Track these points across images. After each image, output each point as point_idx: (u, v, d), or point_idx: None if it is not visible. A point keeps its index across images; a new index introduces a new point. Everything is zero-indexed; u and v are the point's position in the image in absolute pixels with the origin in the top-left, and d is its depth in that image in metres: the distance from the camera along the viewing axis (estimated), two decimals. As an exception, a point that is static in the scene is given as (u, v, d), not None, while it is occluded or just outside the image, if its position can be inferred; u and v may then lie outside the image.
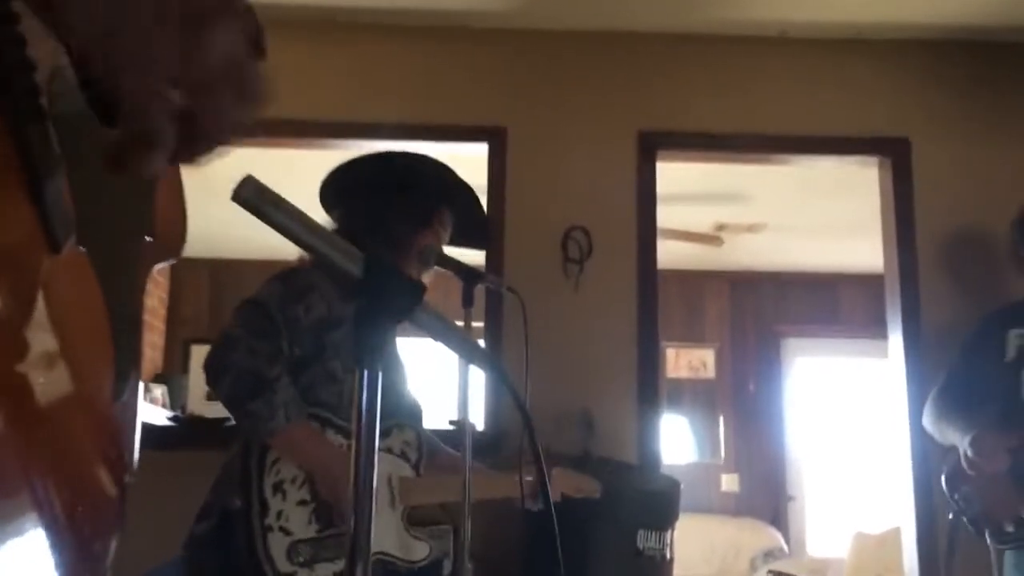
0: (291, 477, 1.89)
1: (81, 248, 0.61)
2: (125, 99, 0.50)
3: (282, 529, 1.85)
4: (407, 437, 2.11)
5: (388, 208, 2.15)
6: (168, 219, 0.76)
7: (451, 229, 2.25)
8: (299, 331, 1.95)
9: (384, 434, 2.06)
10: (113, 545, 0.68)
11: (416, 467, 2.11)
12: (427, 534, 2.10)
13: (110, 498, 0.68)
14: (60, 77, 0.55)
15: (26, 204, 0.53)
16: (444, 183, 2.23)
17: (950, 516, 2.75)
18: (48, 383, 0.57)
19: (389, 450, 2.07)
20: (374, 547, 1.98)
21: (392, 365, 2.18)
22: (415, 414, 2.20)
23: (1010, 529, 2.53)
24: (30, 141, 0.53)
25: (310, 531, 1.87)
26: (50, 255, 0.56)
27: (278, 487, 1.87)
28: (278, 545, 1.83)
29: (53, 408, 0.57)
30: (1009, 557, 2.58)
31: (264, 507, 1.84)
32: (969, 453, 2.55)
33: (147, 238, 0.74)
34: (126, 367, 0.71)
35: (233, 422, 1.97)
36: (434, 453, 2.19)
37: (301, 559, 1.84)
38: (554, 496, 2.26)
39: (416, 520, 2.10)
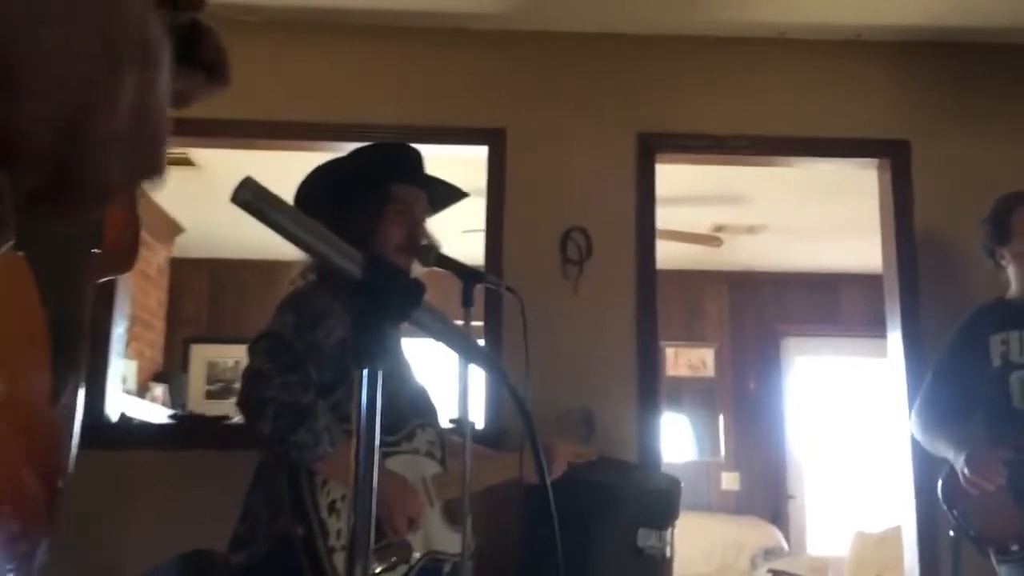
0: (341, 496, 1.91)
1: (19, 253, 0.60)
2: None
3: (344, 548, 1.86)
4: (430, 436, 2.13)
5: (341, 212, 2.11)
6: (117, 235, 0.76)
7: (424, 196, 2.21)
8: (322, 356, 1.96)
9: (409, 437, 2.09)
10: (43, 546, 0.68)
11: (442, 463, 2.14)
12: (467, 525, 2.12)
13: (38, 498, 0.68)
14: None
15: None
16: (378, 164, 2.20)
17: (951, 533, 2.71)
18: None
19: (417, 451, 2.09)
20: (425, 546, 2.02)
21: (401, 364, 2.19)
22: (431, 411, 2.21)
23: (1015, 548, 2.48)
24: None
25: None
26: None
27: (332, 507, 1.90)
28: (344, 564, 1.85)
29: None
30: (1003, 572, 2.55)
31: (324, 530, 1.87)
32: (966, 472, 2.53)
33: (94, 250, 0.74)
34: (64, 371, 0.71)
35: (235, 423, 1.97)
36: (452, 449, 2.21)
37: None
38: (560, 469, 2.29)
39: (452, 514, 2.12)
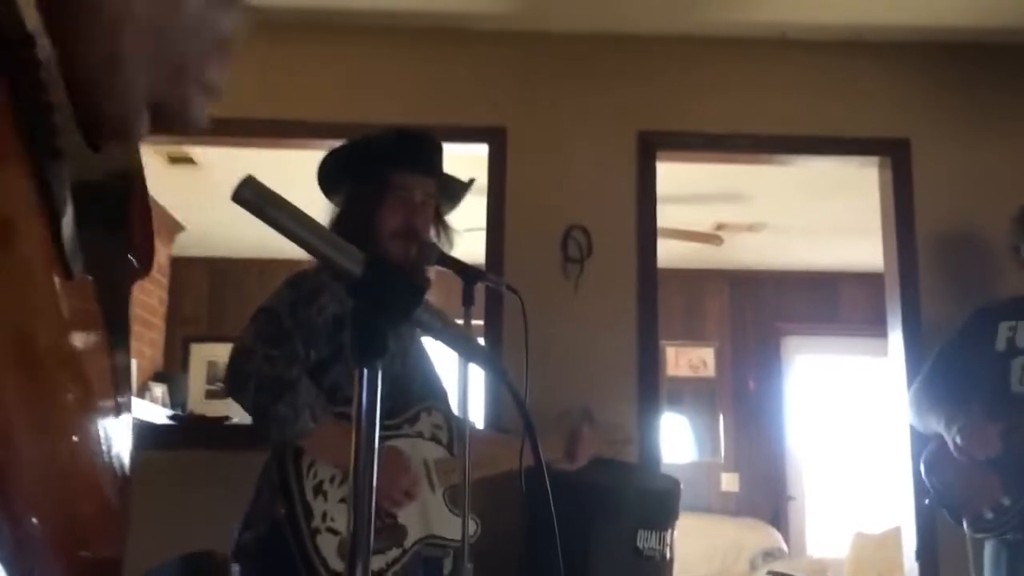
0: (329, 477, 1.92)
1: (88, 276, 0.64)
2: (108, 121, 0.59)
3: (329, 529, 1.88)
4: (436, 420, 2.12)
5: (346, 197, 2.18)
6: (141, 238, 0.80)
7: (429, 183, 2.20)
8: (313, 333, 1.97)
9: (412, 420, 2.08)
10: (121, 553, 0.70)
11: (449, 448, 2.13)
12: (473, 512, 2.11)
13: (115, 512, 0.70)
14: (63, 115, 0.59)
15: (47, 235, 0.57)
16: (380, 151, 2.21)
17: (926, 502, 2.79)
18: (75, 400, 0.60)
19: (420, 435, 2.09)
20: (424, 531, 2.02)
21: (416, 351, 2.18)
22: (441, 396, 2.21)
23: (989, 516, 2.55)
24: (51, 180, 0.56)
25: None
26: (65, 281, 0.60)
27: (318, 489, 1.90)
28: (328, 545, 1.86)
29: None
30: (988, 550, 2.60)
31: (308, 511, 1.87)
32: (958, 440, 2.57)
33: (130, 258, 0.78)
34: (124, 384, 0.73)
35: (257, 428, 1.97)
36: (463, 436, 2.19)
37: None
38: (584, 458, 2.28)
39: (458, 500, 2.11)
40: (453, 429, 2.15)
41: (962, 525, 2.62)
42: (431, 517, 2.04)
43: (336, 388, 1.99)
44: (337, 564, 1.85)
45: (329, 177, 2.23)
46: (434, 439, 2.11)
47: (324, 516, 1.88)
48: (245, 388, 1.88)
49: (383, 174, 2.16)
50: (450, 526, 2.07)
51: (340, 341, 2.00)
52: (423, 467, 2.07)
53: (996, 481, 2.54)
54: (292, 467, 1.90)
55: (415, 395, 2.09)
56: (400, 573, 1.97)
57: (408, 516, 1.99)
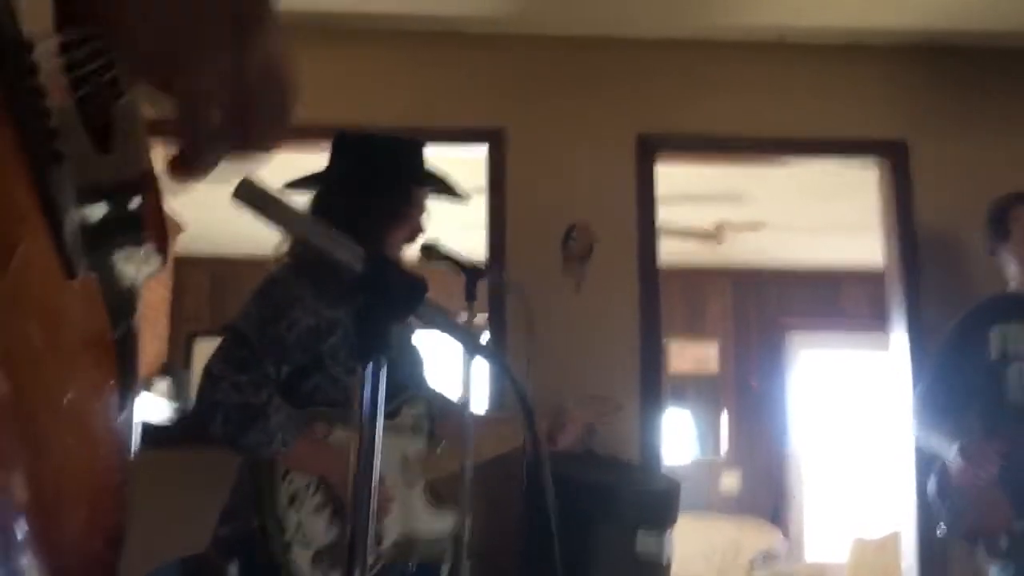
0: (305, 484, 1.90)
1: (92, 273, 0.64)
2: (178, 104, 0.57)
3: (301, 542, 1.86)
4: (416, 409, 2.11)
5: (356, 214, 2.07)
6: (155, 238, 0.80)
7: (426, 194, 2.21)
8: (284, 349, 1.92)
9: (392, 414, 2.04)
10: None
11: (431, 435, 2.12)
12: (450, 506, 2.11)
13: (110, 515, 0.70)
14: (66, 118, 0.59)
15: (47, 237, 0.58)
16: (403, 165, 2.20)
17: (938, 533, 2.71)
18: (63, 403, 0.60)
19: (400, 429, 2.07)
20: (401, 530, 1.99)
21: (403, 349, 2.17)
22: (421, 383, 2.19)
23: (1004, 545, 2.49)
24: (50, 181, 0.57)
25: (330, 536, 1.89)
26: (67, 281, 0.59)
27: (294, 498, 1.88)
28: (302, 558, 1.85)
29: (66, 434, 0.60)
30: (994, 573, 2.55)
31: (280, 525, 1.86)
32: (960, 462, 2.53)
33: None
34: (130, 383, 0.73)
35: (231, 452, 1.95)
36: (445, 415, 2.18)
37: (326, 564, 1.86)
38: (572, 435, 2.25)
39: (437, 495, 2.11)
40: (435, 412, 2.13)
41: (976, 553, 2.56)
42: (408, 515, 2.03)
43: (316, 390, 1.97)
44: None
45: (335, 188, 2.16)
46: (414, 429, 2.10)
47: (297, 528, 1.86)
48: (213, 419, 1.84)
49: (406, 189, 2.16)
50: (429, 520, 2.06)
51: (318, 352, 1.96)
52: (399, 465, 2.05)
53: (1007, 504, 2.48)
54: (266, 477, 1.88)
55: (395, 388, 2.07)
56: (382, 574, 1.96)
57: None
